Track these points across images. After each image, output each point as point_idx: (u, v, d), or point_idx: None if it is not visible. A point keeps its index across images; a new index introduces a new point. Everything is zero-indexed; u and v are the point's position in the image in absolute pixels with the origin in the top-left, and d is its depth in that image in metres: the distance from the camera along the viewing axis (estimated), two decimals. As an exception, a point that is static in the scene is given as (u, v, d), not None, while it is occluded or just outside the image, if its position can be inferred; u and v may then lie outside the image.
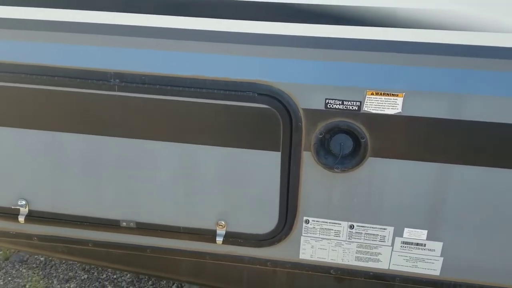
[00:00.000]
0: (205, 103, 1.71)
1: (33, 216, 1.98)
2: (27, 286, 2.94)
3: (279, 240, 1.92)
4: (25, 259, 3.17)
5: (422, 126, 1.65)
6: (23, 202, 1.96)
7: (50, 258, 3.15)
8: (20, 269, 3.09)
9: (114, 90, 1.74)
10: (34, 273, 3.05)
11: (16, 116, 1.83)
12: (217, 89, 1.70)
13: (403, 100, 1.62)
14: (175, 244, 1.99)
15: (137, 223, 1.95)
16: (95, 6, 1.69)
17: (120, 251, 2.04)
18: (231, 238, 1.93)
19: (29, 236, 2.07)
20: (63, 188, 1.93)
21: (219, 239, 1.92)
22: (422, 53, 1.59)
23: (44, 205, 1.97)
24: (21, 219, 1.97)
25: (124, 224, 1.96)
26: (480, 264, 1.85)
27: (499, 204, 1.74)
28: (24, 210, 1.97)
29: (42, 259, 3.17)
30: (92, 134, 1.82)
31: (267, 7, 1.61)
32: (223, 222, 1.91)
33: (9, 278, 3.00)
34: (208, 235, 1.93)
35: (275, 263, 1.98)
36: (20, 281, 2.98)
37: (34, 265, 3.12)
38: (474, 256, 1.84)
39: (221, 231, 1.92)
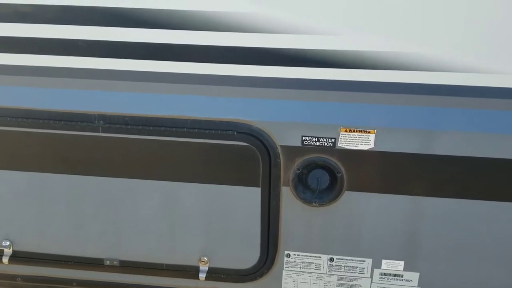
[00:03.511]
0: (187, 142, 1.77)
1: (17, 257, 2.00)
2: (8, 329, 2.89)
3: (262, 275, 1.95)
4: (6, 301, 3.12)
5: (394, 160, 1.73)
6: (7, 243, 1.98)
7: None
8: (2, 311, 3.04)
9: (98, 131, 1.79)
10: (16, 315, 3.00)
11: (0, 158, 1.87)
12: (198, 128, 1.76)
13: (375, 136, 1.71)
14: (158, 281, 2.01)
15: (121, 261, 1.98)
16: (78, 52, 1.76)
17: (104, 289, 2.06)
18: (214, 274, 1.96)
19: (13, 277, 2.07)
20: (47, 228, 1.95)
21: (202, 276, 1.94)
22: (391, 92, 1.69)
23: (28, 246, 1.99)
24: (5, 260, 1.98)
25: (108, 262, 1.98)
26: (456, 293, 1.91)
27: (471, 234, 1.81)
28: (8, 251, 1.99)
29: (24, 300, 3.12)
30: (76, 174, 1.87)
31: (246, 52, 1.70)
32: (205, 258, 1.94)
33: (-9, 321, 2.95)
34: (191, 272, 1.96)
35: (258, 298, 2.01)
36: (2, 324, 2.93)
37: (16, 307, 3.07)
38: (449, 285, 1.89)
39: (204, 267, 1.95)
